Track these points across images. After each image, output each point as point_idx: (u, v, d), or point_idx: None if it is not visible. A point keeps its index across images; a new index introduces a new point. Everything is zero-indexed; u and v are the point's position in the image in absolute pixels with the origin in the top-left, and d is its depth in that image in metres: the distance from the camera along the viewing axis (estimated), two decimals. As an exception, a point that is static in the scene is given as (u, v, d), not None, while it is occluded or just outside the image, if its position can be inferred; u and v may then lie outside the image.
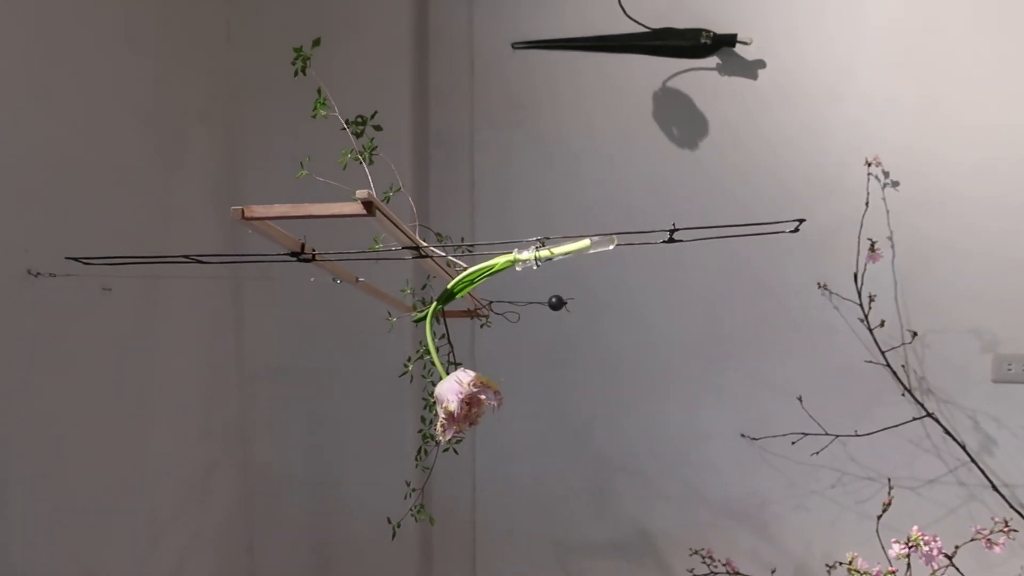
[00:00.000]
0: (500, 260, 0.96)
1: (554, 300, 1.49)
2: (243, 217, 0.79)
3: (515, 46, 2.10)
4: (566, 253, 0.94)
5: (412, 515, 1.43)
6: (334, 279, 1.21)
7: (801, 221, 0.91)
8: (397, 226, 0.86)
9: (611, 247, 0.92)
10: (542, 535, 2.23)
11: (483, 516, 2.27)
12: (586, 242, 0.93)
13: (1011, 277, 1.90)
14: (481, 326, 1.59)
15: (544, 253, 0.94)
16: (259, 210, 0.79)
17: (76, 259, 1.01)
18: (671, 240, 0.95)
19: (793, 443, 2.01)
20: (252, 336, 2.22)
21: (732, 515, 2.10)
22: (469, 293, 1.36)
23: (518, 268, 0.95)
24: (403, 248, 0.96)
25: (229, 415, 2.18)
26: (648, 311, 2.12)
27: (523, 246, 0.96)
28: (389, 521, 1.38)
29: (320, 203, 0.79)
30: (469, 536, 2.28)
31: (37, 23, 1.50)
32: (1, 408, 1.43)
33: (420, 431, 1.51)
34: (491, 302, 1.53)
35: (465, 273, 0.98)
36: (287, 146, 2.13)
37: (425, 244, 0.98)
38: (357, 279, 1.25)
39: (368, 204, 0.76)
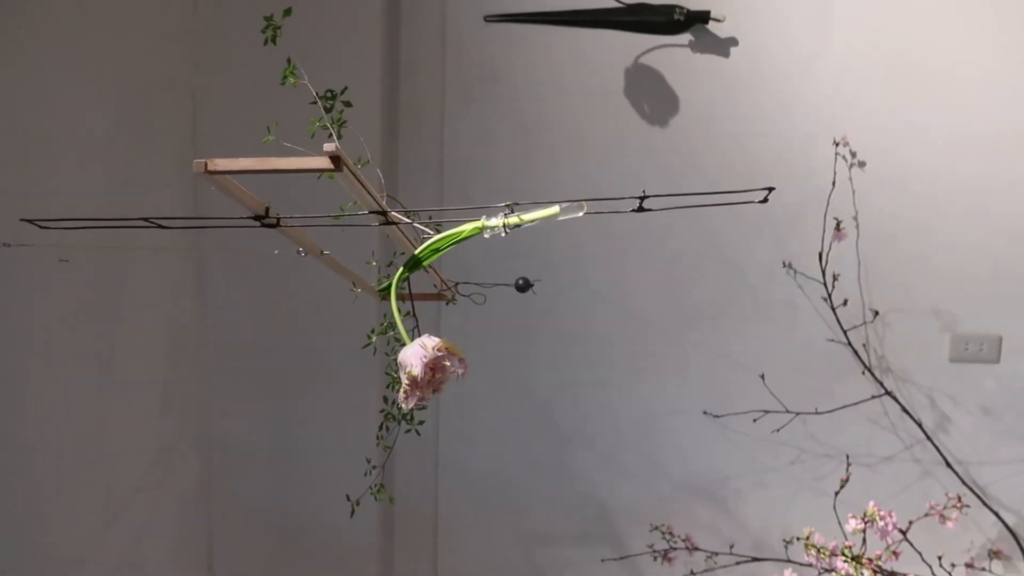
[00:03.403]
0: (468, 227, 0.95)
1: (521, 282, 1.47)
2: (206, 170, 0.77)
3: (488, 19, 2.08)
4: (535, 220, 0.93)
5: (372, 494, 1.41)
6: (299, 251, 1.20)
7: (770, 190, 0.90)
8: (365, 187, 0.85)
9: (580, 214, 0.92)
10: (504, 512, 2.24)
11: (445, 495, 2.27)
12: (555, 209, 0.92)
13: (970, 258, 1.93)
14: (447, 303, 1.58)
15: (513, 220, 0.93)
16: (223, 163, 0.77)
17: (31, 221, 0.98)
18: (641, 209, 0.94)
19: (755, 420, 2.03)
20: (214, 309, 2.19)
21: (693, 491, 2.13)
22: (435, 271, 1.35)
23: (486, 235, 0.94)
24: (370, 213, 0.94)
25: (189, 390, 2.15)
26: (613, 288, 2.12)
27: (491, 213, 0.95)
28: (348, 499, 1.37)
29: (287, 157, 0.77)
30: (431, 514, 2.28)
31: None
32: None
33: (382, 410, 1.49)
34: (457, 283, 1.51)
35: (432, 240, 0.97)
36: (254, 117, 2.09)
37: (392, 211, 0.97)
38: (322, 251, 1.23)
39: (336, 159, 0.75)
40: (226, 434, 2.23)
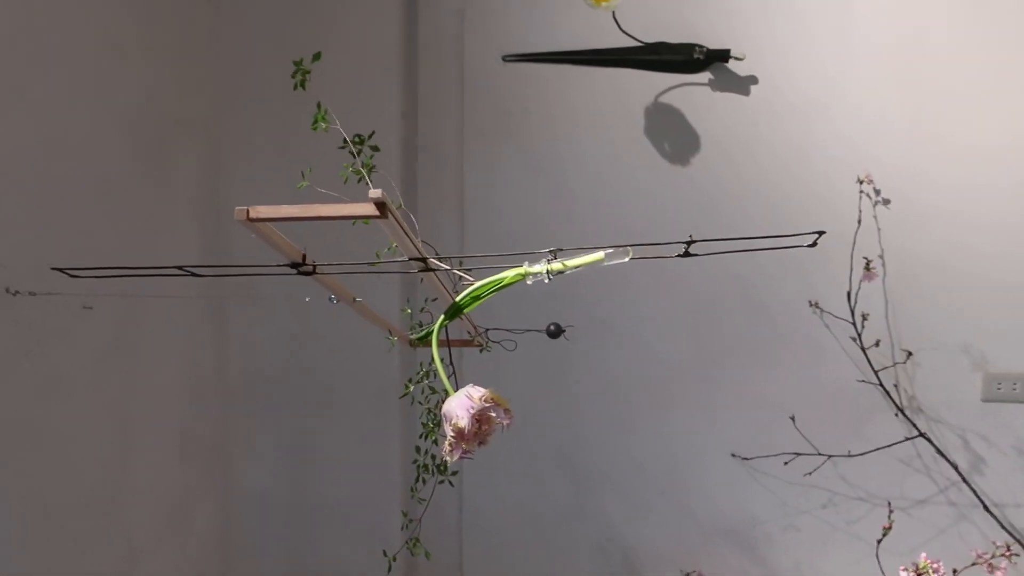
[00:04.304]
0: (510, 273, 0.92)
1: (552, 328, 1.44)
2: (248, 218, 0.75)
3: (506, 59, 2.08)
4: (579, 266, 0.90)
5: (408, 548, 1.38)
6: (330, 298, 1.17)
7: (820, 234, 0.88)
8: (407, 233, 0.83)
9: (626, 259, 0.89)
10: (530, 557, 2.19)
11: (469, 539, 2.22)
12: (600, 255, 0.90)
13: (1000, 295, 1.90)
14: (481, 351, 1.55)
15: (556, 266, 0.90)
16: (265, 211, 0.75)
17: (62, 270, 0.96)
18: (687, 254, 0.92)
19: (786, 463, 1.99)
20: (235, 356, 2.16)
21: (723, 535, 2.08)
22: (467, 318, 1.33)
23: (529, 282, 0.92)
24: (409, 259, 0.92)
25: (210, 438, 2.12)
26: (638, 328, 2.09)
27: (534, 259, 0.92)
28: (385, 554, 1.33)
29: (329, 204, 0.75)
30: (456, 560, 2.23)
31: (17, 26, 1.45)
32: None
33: (415, 461, 1.45)
34: (487, 329, 1.49)
35: (473, 287, 0.94)
36: (272, 159, 2.09)
37: (431, 257, 0.95)
38: (355, 299, 1.21)
39: (381, 205, 0.73)
40: (246, 483, 2.19)
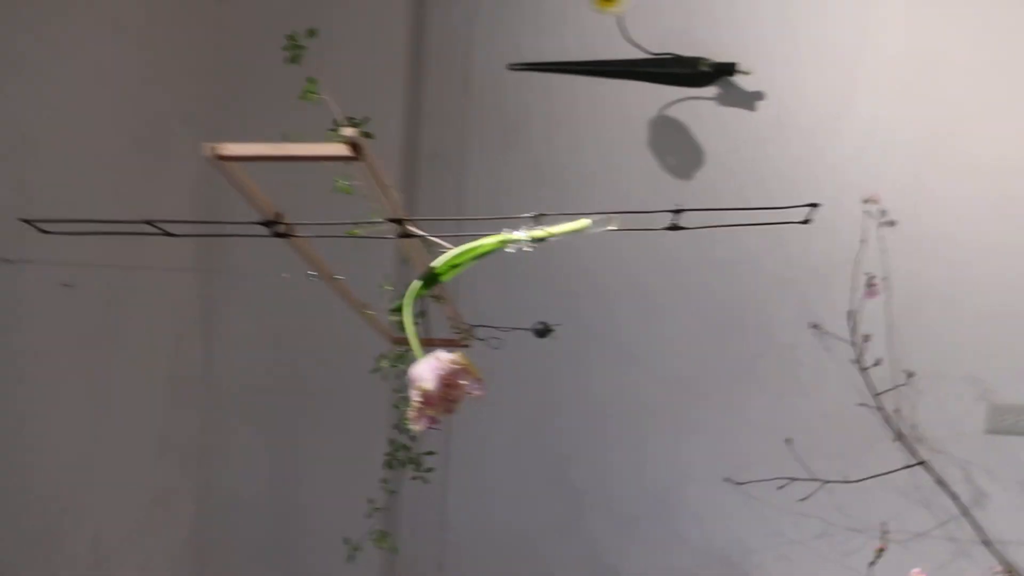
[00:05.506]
0: (490, 240, 0.89)
1: (540, 326, 1.41)
2: (215, 155, 0.72)
3: (511, 67, 2.06)
4: (563, 233, 0.87)
5: (371, 541, 1.32)
6: (310, 273, 1.13)
7: (814, 206, 0.85)
8: (381, 182, 0.79)
9: (611, 228, 0.86)
10: (515, 574, 2.12)
11: (453, 552, 2.15)
12: (586, 222, 0.86)
13: (1008, 324, 1.84)
14: (463, 344, 1.51)
15: (539, 233, 0.87)
16: (235, 148, 0.72)
17: (29, 222, 0.93)
18: (674, 227, 0.89)
19: (780, 488, 1.92)
20: (219, 353, 2.12)
21: (714, 562, 2.01)
22: (451, 306, 1.29)
23: (510, 249, 0.88)
24: (387, 220, 0.88)
25: (190, 432, 2.07)
26: (632, 344, 2.05)
27: (516, 225, 0.89)
28: (346, 542, 1.28)
29: (302, 144, 0.72)
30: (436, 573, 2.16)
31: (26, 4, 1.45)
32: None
33: (387, 454, 1.41)
34: (473, 326, 1.45)
35: (451, 253, 0.91)
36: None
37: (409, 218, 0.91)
38: (333, 276, 1.17)
39: (355, 145, 0.69)
40: (224, 481, 2.14)
